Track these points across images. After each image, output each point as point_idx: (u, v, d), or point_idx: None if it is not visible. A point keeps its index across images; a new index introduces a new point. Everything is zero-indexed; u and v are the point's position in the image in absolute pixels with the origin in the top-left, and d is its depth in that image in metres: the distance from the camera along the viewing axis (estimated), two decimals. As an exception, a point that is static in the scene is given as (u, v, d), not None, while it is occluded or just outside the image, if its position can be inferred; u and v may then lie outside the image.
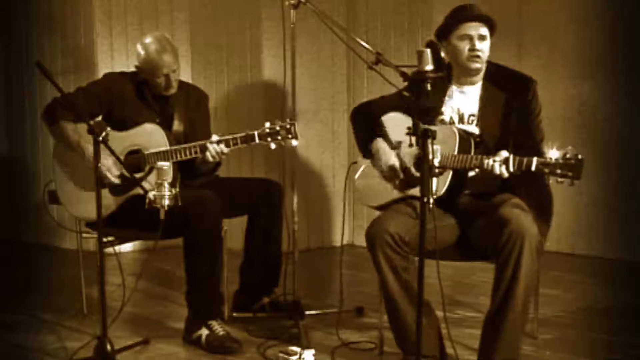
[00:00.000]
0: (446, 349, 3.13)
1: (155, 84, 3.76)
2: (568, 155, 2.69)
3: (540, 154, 2.79)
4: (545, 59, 5.09)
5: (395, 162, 3.22)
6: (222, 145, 3.50)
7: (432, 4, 5.27)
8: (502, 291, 2.89)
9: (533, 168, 2.77)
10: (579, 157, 2.68)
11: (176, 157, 3.56)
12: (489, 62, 3.26)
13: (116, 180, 3.56)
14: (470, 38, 3.17)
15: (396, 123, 3.24)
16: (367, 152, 3.34)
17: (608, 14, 4.93)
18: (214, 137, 3.54)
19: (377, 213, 3.26)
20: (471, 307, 4.01)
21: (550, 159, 2.72)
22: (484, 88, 3.24)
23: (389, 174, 3.24)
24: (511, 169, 2.84)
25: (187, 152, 3.54)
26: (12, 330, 3.76)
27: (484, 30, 3.18)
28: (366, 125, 3.38)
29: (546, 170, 2.73)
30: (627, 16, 4.87)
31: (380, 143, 3.29)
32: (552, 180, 2.74)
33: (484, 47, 3.18)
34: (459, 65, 3.23)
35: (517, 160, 2.83)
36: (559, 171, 2.70)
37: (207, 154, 3.50)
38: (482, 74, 3.25)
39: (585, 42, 5.01)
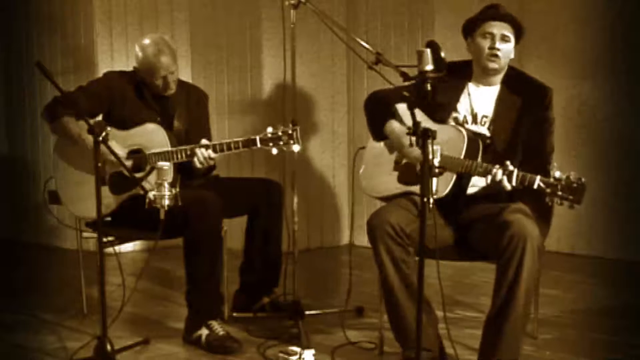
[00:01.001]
0: (446, 349, 3.13)
1: (154, 84, 3.76)
2: (571, 178, 2.70)
3: (545, 172, 2.79)
4: (546, 59, 5.09)
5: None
6: (209, 151, 3.51)
7: (432, 4, 5.27)
8: (504, 292, 2.90)
9: (535, 186, 2.79)
10: (582, 180, 2.69)
11: (177, 158, 3.56)
12: (509, 67, 3.25)
13: (128, 163, 3.54)
14: (492, 36, 3.16)
15: (408, 114, 3.23)
16: (380, 134, 3.32)
17: (608, 14, 4.93)
18: (203, 142, 3.55)
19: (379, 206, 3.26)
20: (471, 307, 4.01)
21: (554, 179, 2.72)
22: (501, 91, 3.23)
23: (408, 164, 3.22)
24: (514, 183, 2.86)
25: (181, 155, 3.54)
26: (12, 330, 3.76)
27: (508, 32, 3.16)
28: (380, 109, 3.35)
29: (548, 190, 2.74)
30: (627, 16, 4.87)
31: (395, 124, 3.26)
32: (552, 202, 2.74)
33: (504, 48, 3.16)
34: (478, 63, 3.22)
35: (520, 176, 2.84)
36: (560, 193, 2.72)
37: (195, 159, 3.51)
38: (501, 76, 3.24)
39: (585, 42, 5.02)
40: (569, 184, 2.70)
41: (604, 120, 5.01)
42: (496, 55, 3.16)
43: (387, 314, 3.13)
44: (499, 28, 3.16)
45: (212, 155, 3.52)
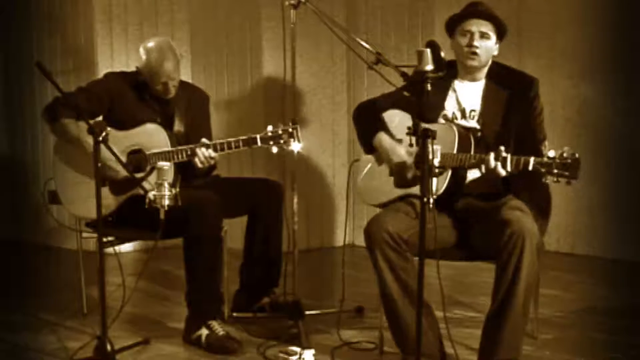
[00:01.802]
0: (446, 348, 3.12)
1: (154, 88, 3.76)
2: (564, 155, 2.70)
3: (539, 154, 2.79)
4: (546, 59, 5.09)
5: (406, 155, 3.21)
6: (210, 150, 3.51)
7: (433, 4, 5.27)
8: (503, 291, 2.90)
9: (530, 167, 2.79)
10: (576, 156, 2.69)
11: (177, 158, 3.56)
12: (493, 62, 3.26)
13: (124, 173, 3.54)
14: (471, 34, 3.17)
15: (397, 120, 3.24)
16: (369, 147, 3.34)
17: (608, 14, 4.93)
18: (203, 141, 3.55)
19: (378, 211, 3.27)
20: (471, 307, 4.01)
21: (547, 158, 2.73)
22: (487, 85, 3.25)
23: (398, 166, 3.23)
24: (509, 168, 2.85)
25: (181, 155, 3.54)
26: (12, 330, 3.76)
27: (487, 28, 3.17)
28: (368, 121, 3.37)
29: (543, 169, 2.74)
30: (627, 16, 4.87)
31: (383, 136, 3.28)
32: (549, 180, 2.75)
33: (482, 45, 3.17)
34: (460, 61, 3.24)
35: (514, 160, 2.84)
36: (555, 171, 2.71)
37: (196, 159, 3.51)
38: (485, 71, 3.25)
39: (585, 42, 5.02)
40: (563, 160, 2.70)
41: (604, 120, 5.01)
42: (475, 53, 3.17)
43: (387, 321, 3.12)
44: (477, 25, 3.17)
45: (213, 154, 3.53)
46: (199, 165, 3.53)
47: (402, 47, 5.41)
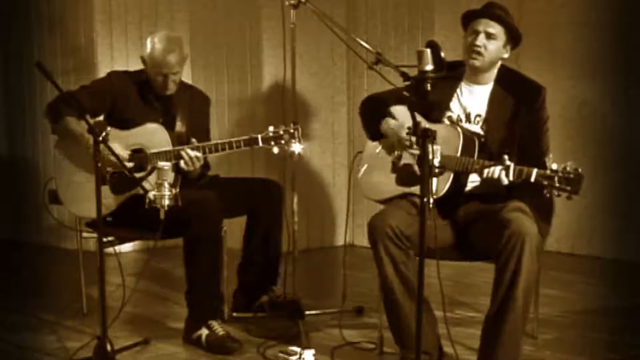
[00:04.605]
0: (446, 348, 3.13)
1: (155, 81, 3.75)
2: (568, 169, 2.70)
3: (542, 165, 2.79)
4: (545, 59, 5.08)
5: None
6: (195, 152, 3.50)
7: (432, 4, 5.27)
8: (502, 292, 2.89)
9: (532, 179, 2.79)
10: (579, 171, 2.69)
11: (173, 158, 3.56)
12: (502, 66, 3.24)
13: (129, 164, 3.53)
14: (477, 33, 3.16)
15: (404, 116, 3.24)
16: (376, 133, 3.32)
17: (608, 14, 4.93)
18: (193, 141, 3.54)
19: (379, 208, 3.26)
20: (471, 307, 4.01)
21: (550, 171, 2.73)
22: (494, 90, 3.23)
23: (406, 166, 3.21)
24: (511, 177, 2.86)
25: (175, 155, 3.55)
26: (12, 330, 3.76)
27: (495, 30, 3.15)
28: (375, 109, 3.36)
29: (545, 182, 2.74)
30: (627, 16, 4.87)
31: (391, 121, 3.26)
32: (549, 194, 2.75)
33: (488, 45, 3.15)
34: (465, 60, 3.22)
35: (517, 170, 2.84)
36: (557, 184, 2.71)
37: (181, 161, 3.50)
38: (493, 75, 3.24)
39: (585, 42, 5.02)
40: (566, 174, 2.70)
41: (603, 120, 5.01)
42: (477, 52, 3.15)
43: (387, 316, 3.13)
44: (485, 25, 3.15)
45: (199, 155, 3.52)
46: (183, 166, 3.52)
47: (402, 47, 5.41)
